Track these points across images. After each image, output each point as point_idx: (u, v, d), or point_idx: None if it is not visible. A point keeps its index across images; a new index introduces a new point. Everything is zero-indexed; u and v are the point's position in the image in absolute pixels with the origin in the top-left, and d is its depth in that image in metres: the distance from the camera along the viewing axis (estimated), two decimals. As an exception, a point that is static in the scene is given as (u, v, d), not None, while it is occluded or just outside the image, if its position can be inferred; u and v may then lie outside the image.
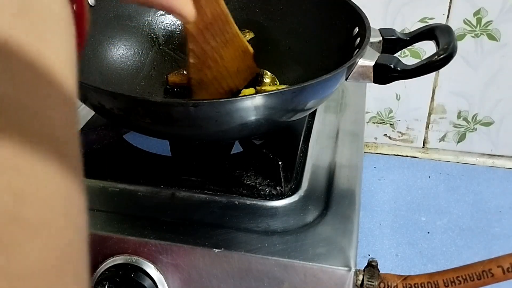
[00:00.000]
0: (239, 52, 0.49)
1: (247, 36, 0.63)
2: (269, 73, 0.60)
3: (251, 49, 0.49)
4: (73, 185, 0.17)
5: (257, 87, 0.59)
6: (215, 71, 0.49)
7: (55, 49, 0.18)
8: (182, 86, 0.60)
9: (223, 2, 0.44)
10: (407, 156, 0.93)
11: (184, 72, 0.60)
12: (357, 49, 0.49)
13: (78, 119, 0.18)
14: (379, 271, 0.44)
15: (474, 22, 0.80)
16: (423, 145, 0.93)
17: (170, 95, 0.61)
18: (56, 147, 0.16)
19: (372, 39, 0.51)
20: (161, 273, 0.45)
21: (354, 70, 0.48)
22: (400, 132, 0.92)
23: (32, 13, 0.17)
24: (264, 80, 0.60)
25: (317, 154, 0.56)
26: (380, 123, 0.92)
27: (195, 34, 0.44)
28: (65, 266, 0.15)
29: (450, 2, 0.79)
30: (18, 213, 0.14)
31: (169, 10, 0.39)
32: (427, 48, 0.82)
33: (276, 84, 0.59)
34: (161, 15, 0.66)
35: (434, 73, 0.84)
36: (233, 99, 0.41)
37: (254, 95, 0.41)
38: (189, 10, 0.39)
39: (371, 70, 0.48)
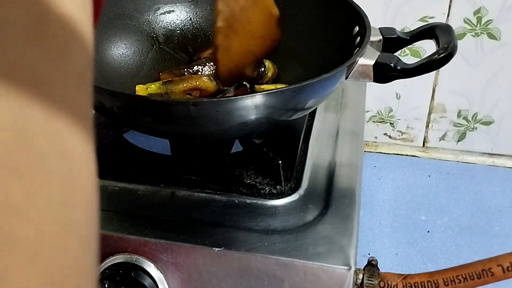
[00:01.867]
0: (266, 15, 0.47)
1: None
2: (271, 65, 0.60)
3: (276, 11, 0.47)
4: (84, 143, 0.17)
5: (259, 82, 0.59)
6: (241, 37, 0.47)
7: (89, 25, 0.18)
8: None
9: None
10: (407, 155, 0.93)
11: (178, 71, 0.60)
12: (357, 48, 0.49)
13: (92, 69, 0.18)
14: (379, 270, 0.44)
15: (474, 21, 0.80)
16: (423, 144, 0.93)
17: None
18: (72, 107, 0.16)
19: (372, 38, 0.51)
20: (161, 272, 0.45)
21: (354, 69, 0.48)
22: (400, 131, 0.92)
23: None
24: (267, 73, 0.60)
25: (317, 153, 0.56)
26: (380, 122, 0.92)
27: None
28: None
29: (450, 1, 0.79)
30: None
31: None
32: (427, 47, 0.82)
33: (276, 76, 0.59)
34: (162, 14, 0.66)
35: (434, 72, 0.84)
36: (233, 98, 0.41)
37: (254, 94, 0.41)
38: None
39: (371, 69, 0.48)
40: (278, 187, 0.49)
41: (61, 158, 0.15)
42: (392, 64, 0.47)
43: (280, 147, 0.52)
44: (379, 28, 0.54)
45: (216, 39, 0.46)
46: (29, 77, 0.15)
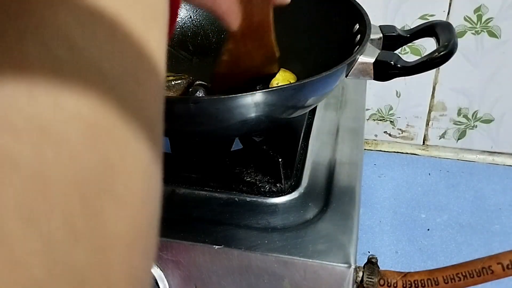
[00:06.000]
0: (268, 55, 0.52)
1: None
2: (286, 73, 0.60)
3: (277, 53, 0.52)
4: (157, 164, 0.18)
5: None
6: (242, 69, 0.51)
7: (156, 36, 0.19)
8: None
9: (271, 13, 0.46)
10: (407, 153, 0.93)
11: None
12: (357, 46, 0.49)
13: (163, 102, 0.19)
14: (379, 267, 0.44)
15: (474, 19, 0.80)
16: (423, 142, 0.93)
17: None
18: (149, 126, 0.17)
19: (372, 36, 0.51)
20: (161, 270, 0.45)
21: (354, 67, 0.48)
22: (400, 129, 0.92)
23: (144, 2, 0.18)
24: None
25: (317, 151, 0.56)
26: (380, 120, 0.92)
27: (237, 37, 0.46)
28: (140, 241, 0.16)
29: (451, -1, 0.79)
30: (110, 185, 0.14)
31: (215, 16, 0.41)
32: (428, 45, 0.82)
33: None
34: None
35: (434, 70, 0.84)
36: (233, 96, 0.41)
37: (254, 92, 0.41)
38: (234, 20, 0.42)
39: (371, 67, 0.48)
40: (278, 185, 0.49)
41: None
42: (392, 62, 0.47)
43: (280, 145, 0.52)
44: (380, 26, 0.54)
45: (218, 66, 0.50)
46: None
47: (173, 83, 0.53)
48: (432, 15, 0.81)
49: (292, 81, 0.58)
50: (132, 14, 0.17)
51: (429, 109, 0.89)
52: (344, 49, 0.53)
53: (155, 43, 0.18)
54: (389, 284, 0.43)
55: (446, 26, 0.50)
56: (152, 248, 0.17)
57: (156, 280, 0.44)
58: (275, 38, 0.50)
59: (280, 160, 0.49)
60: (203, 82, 0.56)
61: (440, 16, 0.80)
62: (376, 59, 0.48)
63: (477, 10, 0.79)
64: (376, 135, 0.94)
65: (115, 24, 0.16)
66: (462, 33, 0.81)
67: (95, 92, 0.15)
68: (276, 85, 0.51)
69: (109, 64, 0.16)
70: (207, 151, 0.54)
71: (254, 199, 0.48)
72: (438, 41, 0.49)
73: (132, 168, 0.16)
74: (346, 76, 0.48)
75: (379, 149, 0.94)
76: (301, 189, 0.50)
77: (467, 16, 0.80)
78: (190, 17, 0.67)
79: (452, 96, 0.87)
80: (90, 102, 0.14)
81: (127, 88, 0.16)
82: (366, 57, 0.48)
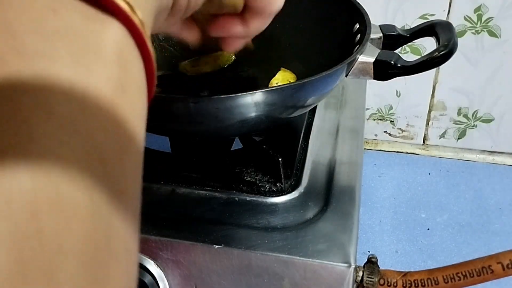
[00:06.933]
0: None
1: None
2: (286, 73, 0.60)
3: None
4: (132, 235, 0.19)
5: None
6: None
7: (132, 103, 0.19)
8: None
9: None
10: (407, 152, 0.93)
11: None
12: (357, 46, 0.49)
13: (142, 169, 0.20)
14: (379, 267, 0.44)
15: (474, 18, 0.80)
16: (423, 141, 0.93)
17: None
18: (122, 199, 0.18)
19: (372, 36, 0.51)
20: (161, 269, 0.45)
21: (354, 67, 0.48)
22: (400, 128, 0.92)
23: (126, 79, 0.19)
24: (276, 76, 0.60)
25: (317, 151, 0.56)
26: (380, 119, 0.92)
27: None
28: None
29: (451, -1, 0.79)
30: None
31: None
32: (428, 45, 0.82)
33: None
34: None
35: (434, 69, 0.84)
36: (233, 95, 0.41)
37: (254, 92, 0.41)
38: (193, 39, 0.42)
39: (371, 67, 0.48)
40: (278, 184, 0.49)
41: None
42: (392, 62, 0.47)
43: (280, 144, 0.52)
44: (380, 26, 0.54)
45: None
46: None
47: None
48: (432, 15, 0.81)
49: (292, 81, 0.58)
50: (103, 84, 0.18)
51: (429, 109, 0.89)
52: (344, 48, 0.53)
53: (129, 112, 0.19)
54: (389, 284, 0.43)
55: (446, 26, 0.50)
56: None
57: (156, 279, 0.44)
58: None
59: (280, 159, 0.49)
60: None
61: (440, 16, 0.80)
62: (376, 58, 0.48)
63: (477, 9, 0.79)
64: (376, 135, 0.94)
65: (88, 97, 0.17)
66: (462, 33, 0.81)
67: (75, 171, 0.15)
68: (276, 85, 0.51)
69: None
70: (207, 150, 0.54)
71: (254, 198, 0.48)
72: (438, 40, 0.49)
73: (118, 248, 0.17)
74: (346, 76, 0.48)
75: (379, 148, 0.94)
76: (301, 189, 0.50)
77: (467, 15, 0.80)
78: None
79: (452, 96, 0.87)
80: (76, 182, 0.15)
81: (102, 159, 0.17)
82: (366, 57, 0.48)
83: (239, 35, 0.39)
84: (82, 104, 0.16)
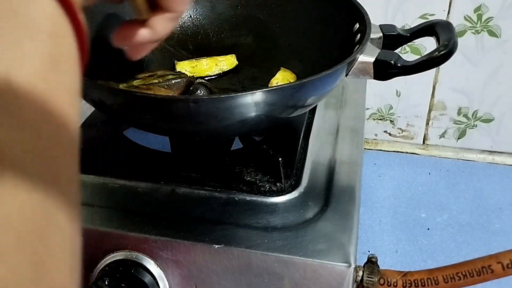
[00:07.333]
0: None
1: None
2: (286, 73, 0.59)
3: None
4: (71, 222, 0.18)
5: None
6: None
7: (63, 89, 0.19)
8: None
9: None
10: (407, 152, 0.93)
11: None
12: (358, 45, 0.49)
13: (78, 158, 0.19)
14: (379, 267, 0.44)
15: (474, 18, 0.80)
16: (423, 141, 0.93)
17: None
18: (58, 186, 0.17)
19: (372, 35, 0.51)
20: (161, 269, 0.45)
21: (354, 66, 0.48)
22: (400, 128, 0.92)
23: (55, 61, 0.18)
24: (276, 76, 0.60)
25: (317, 151, 0.56)
26: (380, 119, 0.92)
27: None
28: None
29: (451, -2, 0.79)
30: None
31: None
32: (428, 45, 0.82)
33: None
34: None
35: (434, 69, 0.84)
36: (233, 95, 0.41)
37: (254, 91, 0.41)
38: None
39: (372, 66, 0.48)
40: (278, 184, 0.49)
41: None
42: (392, 61, 0.47)
43: (280, 144, 0.52)
44: (380, 25, 0.54)
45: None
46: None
47: (173, 81, 0.53)
48: (432, 15, 0.81)
49: (292, 81, 0.58)
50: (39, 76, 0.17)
51: (429, 109, 0.89)
52: (344, 48, 0.53)
53: (61, 87, 0.19)
54: (389, 284, 0.43)
55: (446, 26, 0.50)
56: None
57: (156, 279, 0.44)
58: None
59: (280, 159, 0.49)
60: (203, 81, 0.55)
61: (440, 16, 0.80)
62: (376, 58, 0.48)
63: (477, 9, 0.79)
64: (376, 135, 0.94)
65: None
66: (462, 33, 0.81)
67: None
68: (276, 85, 0.51)
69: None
70: (207, 150, 0.54)
71: (254, 198, 0.48)
72: (438, 40, 0.49)
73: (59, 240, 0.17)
74: (346, 76, 0.48)
75: (379, 148, 0.94)
76: (301, 189, 0.50)
77: (467, 15, 0.80)
78: (190, 16, 0.67)
79: (452, 96, 0.87)
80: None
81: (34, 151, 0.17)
82: (366, 57, 0.48)
83: (146, 40, 0.38)
84: (10, 79, 0.16)
